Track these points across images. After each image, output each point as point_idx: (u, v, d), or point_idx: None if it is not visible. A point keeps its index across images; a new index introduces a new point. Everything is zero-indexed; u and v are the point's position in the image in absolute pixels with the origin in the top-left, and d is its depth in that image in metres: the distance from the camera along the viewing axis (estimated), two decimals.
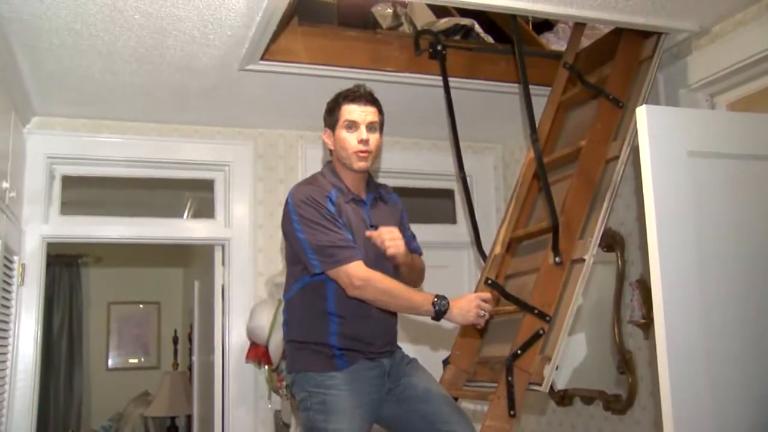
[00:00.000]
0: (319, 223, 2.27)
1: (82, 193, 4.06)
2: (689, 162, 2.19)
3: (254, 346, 3.54)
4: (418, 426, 2.35)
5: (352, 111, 2.37)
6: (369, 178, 2.50)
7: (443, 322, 2.32)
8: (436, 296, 2.24)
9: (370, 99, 2.40)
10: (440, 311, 2.22)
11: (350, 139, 2.36)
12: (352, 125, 2.36)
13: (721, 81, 2.79)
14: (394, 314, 2.43)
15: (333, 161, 2.47)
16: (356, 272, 2.23)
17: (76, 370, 6.98)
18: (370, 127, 2.38)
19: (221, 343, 3.80)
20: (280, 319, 3.35)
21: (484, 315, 2.27)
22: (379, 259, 2.35)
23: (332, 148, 2.44)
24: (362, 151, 2.36)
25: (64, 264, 6.99)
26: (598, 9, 2.62)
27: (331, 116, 2.42)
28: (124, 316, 7.35)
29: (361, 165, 2.37)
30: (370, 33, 3.22)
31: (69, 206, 3.68)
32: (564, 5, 2.58)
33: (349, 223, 2.34)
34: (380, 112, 2.43)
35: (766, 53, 2.55)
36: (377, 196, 2.52)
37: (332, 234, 2.25)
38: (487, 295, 2.32)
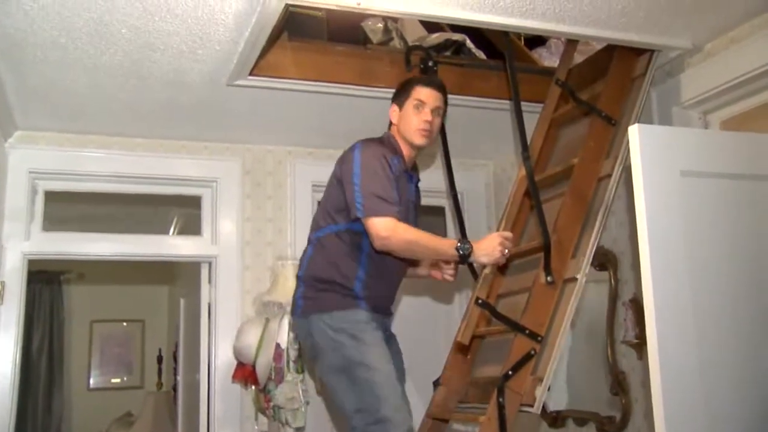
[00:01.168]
0: (378, 174, 2.51)
1: (66, 208, 4.05)
2: (682, 181, 2.22)
3: (241, 365, 3.53)
4: None
5: (423, 92, 2.67)
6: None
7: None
8: (459, 240, 2.48)
9: (440, 87, 2.72)
10: (464, 254, 2.45)
11: (416, 118, 2.66)
12: (420, 105, 2.66)
13: (714, 99, 2.83)
14: (401, 280, 2.76)
15: (393, 134, 2.73)
16: (387, 224, 2.45)
17: (56, 390, 6.91)
18: (435, 110, 2.69)
19: (207, 362, 3.79)
20: (268, 338, 3.38)
21: (507, 252, 2.51)
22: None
23: (396, 123, 2.72)
24: (425, 130, 2.66)
25: (46, 281, 6.95)
26: (590, 26, 2.65)
27: (402, 94, 2.73)
28: (107, 334, 7.31)
29: (421, 142, 2.68)
30: (360, 48, 3.25)
31: (52, 222, 3.67)
32: (556, 22, 2.61)
33: (399, 192, 2.58)
34: (446, 102, 2.74)
35: (759, 71, 2.58)
36: (417, 177, 2.84)
37: (386, 189, 2.49)
38: (509, 234, 2.55)
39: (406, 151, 2.70)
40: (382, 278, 2.62)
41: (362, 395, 2.41)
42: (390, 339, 2.69)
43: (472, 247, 2.45)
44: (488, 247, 2.47)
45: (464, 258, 2.46)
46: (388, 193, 2.49)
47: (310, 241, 2.71)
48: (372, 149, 2.58)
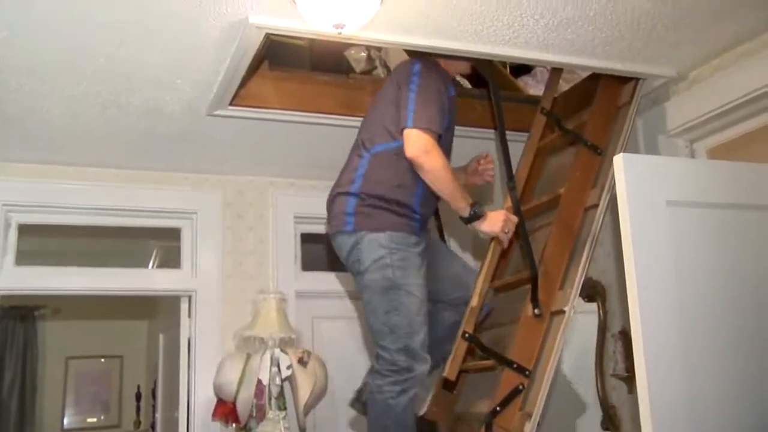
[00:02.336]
0: (432, 93, 2.59)
1: (41, 242, 4.02)
2: (668, 211, 2.24)
3: (221, 402, 3.48)
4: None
5: None
6: None
7: None
8: (476, 202, 2.58)
9: None
10: (473, 215, 2.58)
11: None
12: None
13: (700, 127, 2.86)
14: None
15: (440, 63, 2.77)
16: (430, 140, 2.53)
17: (27, 431, 6.77)
18: None
19: (186, 399, 3.74)
20: (249, 374, 3.35)
21: (508, 233, 2.62)
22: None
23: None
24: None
25: (19, 317, 6.83)
26: (574, 54, 2.69)
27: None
28: (83, 371, 7.19)
29: (466, 69, 2.94)
30: (343, 78, 3.27)
31: (26, 256, 3.64)
32: (540, 51, 2.65)
33: (450, 118, 2.71)
34: None
35: (743, 99, 2.62)
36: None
37: (437, 110, 2.57)
38: (515, 218, 2.65)
39: (451, 72, 2.85)
40: (434, 194, 2.67)
41: (398, 318, 2.54)
42: (434, 245, 2.89)
43: (484, 214, 2.58)
44: (493, 218, 2.61)
45: (472, 218, 2.58)
46: (437, 113, 2.57)
47: (360, 155, 2.71)
48: (432, 71, 2.66)
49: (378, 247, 2.57)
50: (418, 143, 2.51)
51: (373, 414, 2.60)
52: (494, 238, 2.73)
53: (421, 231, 2.72)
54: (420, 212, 2.68)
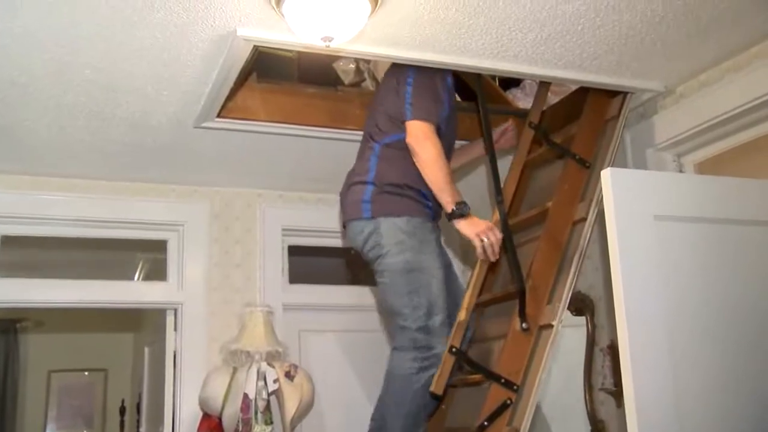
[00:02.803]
0: (427, 84, 2.73)
1: (25, 254, 4.00)
2: (656, 226, 2.25)
3: (207, 417, 3.47)
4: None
5: None
6: None
7: None
8: (463, 201, 2.64)
9: None
10: (456, 212, 2.62)
11: None
12: None
13: (687, 141, 2.88)
14: None
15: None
16: (428, 130, 2.68)
17: None
18: None
19: (172, 413, 3.71)
20: (235, 388, 3.34)
21: (486, 242, 2.63)
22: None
23: None
24: None
25: (0, 330, 6.79)
26: (562, 68, 2.71)
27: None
28: (66, 385, 7.14)
29: None
30: (331, 90, 3.28)
31: (8, 268, 3.62)
32: (529, 64, 2.66)
33: (450, 106, 2.84)
34: None
35: (729, 114, 2.65)
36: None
37: (432, 101, 2.72)
38: (499, 235, 2.67)
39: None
40: None
41: (418, 298, 2.65)
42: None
43: (467, 214, 2.63)
44: (475, 223, 2.65)
45: (454, 215, 2.63)
46: (432, 108, 2.71)
47: (371, 147, 2.83)
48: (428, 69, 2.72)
49: (398, 231, 2.69)
50: (416, 132, 2.67)
51: (391, 389, 2.69)
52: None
53: (435, 221, 2.82)
54: (431, 203, 2.76)
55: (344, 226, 2.89)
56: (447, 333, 2.66)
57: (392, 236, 2.69)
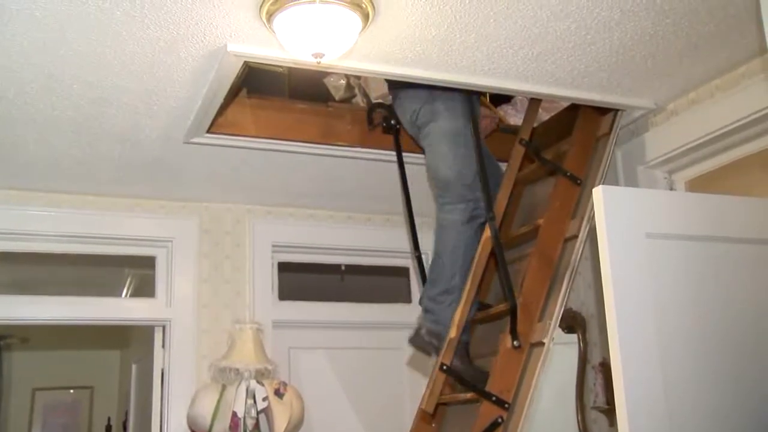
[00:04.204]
0: None
1: (11, 270, 3.97)
2: (647, 243, 2.26)
3: None
4: None
5: None
6: None
7: None
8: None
9: None
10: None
11: None
12: None
13: (678, 158, 2.91)
14: None
15: None
16: None
17: None
18: None
19: (159, 431, 3.70)
20: (224, 406, 3.32)
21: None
22: None
23: None
24: None
25: None
26: (554, 85, 2.72)
27: None
28: (51, 403, 7.06)
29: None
30: (322, 106, 3.28)
31: None
32: (519, 81, 2.68)
33: None
34: None
35: (720, 132, 2.67)
36: None
37: None
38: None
39: None
40: None
41: (464, 163, 2.87)
42: None
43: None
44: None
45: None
46: None
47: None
48: None
49: (453, 102, 2.88)
50: None
51: (445, 241, 2.90)
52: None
53: None
54: None
55: (394, 99, 3.10)
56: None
57: (449, 102, 2.89)
